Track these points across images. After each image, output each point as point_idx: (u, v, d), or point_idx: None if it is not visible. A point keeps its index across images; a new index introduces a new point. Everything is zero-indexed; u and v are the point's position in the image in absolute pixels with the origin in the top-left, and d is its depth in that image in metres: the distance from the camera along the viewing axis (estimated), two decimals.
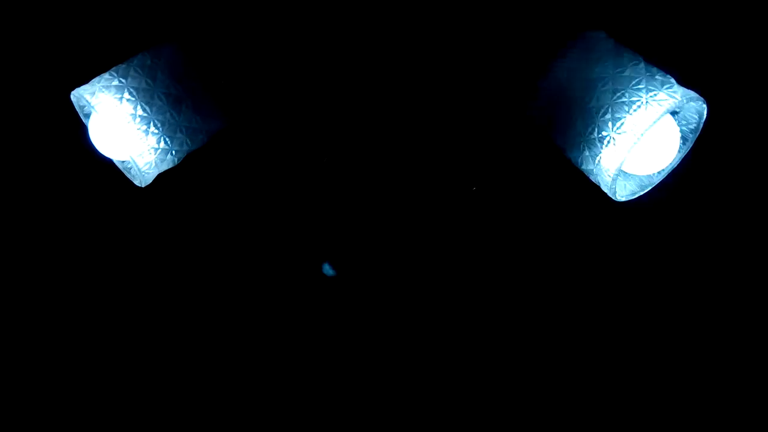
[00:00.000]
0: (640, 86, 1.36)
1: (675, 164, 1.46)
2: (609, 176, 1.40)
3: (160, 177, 1.61)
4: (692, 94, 1.36)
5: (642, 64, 1.40)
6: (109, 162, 1.64)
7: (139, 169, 1.53)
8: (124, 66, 1.52)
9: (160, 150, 1.53)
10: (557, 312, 1.84)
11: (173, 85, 1.53)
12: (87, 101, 1.48)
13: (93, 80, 1.52)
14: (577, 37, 1.47)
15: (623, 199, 1.48)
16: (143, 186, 1.59)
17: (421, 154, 1.70)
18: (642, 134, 1.33)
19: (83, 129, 1.59)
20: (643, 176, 1.49)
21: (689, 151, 1.47)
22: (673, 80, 1.37)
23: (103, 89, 1.49)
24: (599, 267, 1.78)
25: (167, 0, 1.73)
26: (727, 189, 1.75)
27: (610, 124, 1.36)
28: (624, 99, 1.36)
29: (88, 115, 1.59)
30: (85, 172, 1.90)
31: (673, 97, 1.34)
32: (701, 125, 1.43)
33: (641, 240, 1.75)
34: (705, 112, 1.41)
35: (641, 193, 1.49)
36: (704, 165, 1.59)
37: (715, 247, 1.79)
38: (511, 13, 1.60)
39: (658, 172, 1.47)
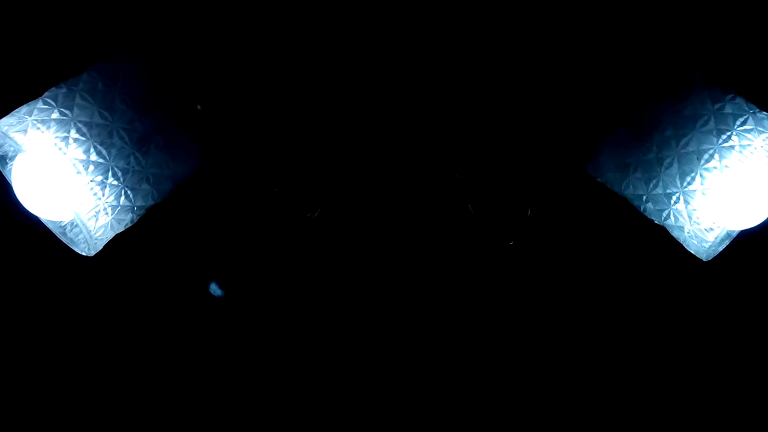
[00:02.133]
0: (747, 127, 1.12)
1: None
2: (708, 234, 1.16)
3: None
4: None
5: (740, 100, 1.16)
6: (37, 222, 1.18)
7: (89, 234, 1.10)
8: (64, 90, 1.09)
9: (119, 208, 1.11)
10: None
11: (138, 118, 1.11)
12: (13, 141, 1.04)
13: (18, 110, 1.08)
14: (656, 71, 1.21)
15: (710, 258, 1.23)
16: (92, 255, 1.16)
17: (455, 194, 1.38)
18: (758, 187, 1.09)
19: None
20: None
21: None
22: None
23: (38, 124, 1.05)
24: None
25: None
26: None
27: (717, 174, 1.11)
28: (732, 143, 1.11)
29: (5, 158, 1.14)
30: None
31: None
32: None
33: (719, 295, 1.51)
34: None
35: (720, 249, 1.25)
36: None
37: None
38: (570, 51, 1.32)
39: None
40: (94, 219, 1.09)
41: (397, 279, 1.45)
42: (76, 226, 1.17)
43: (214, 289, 1.59)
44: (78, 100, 1.07)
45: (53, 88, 1.10)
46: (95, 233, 1.10)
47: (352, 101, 1.35)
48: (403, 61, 1.34)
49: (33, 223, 1.20)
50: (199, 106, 1.20)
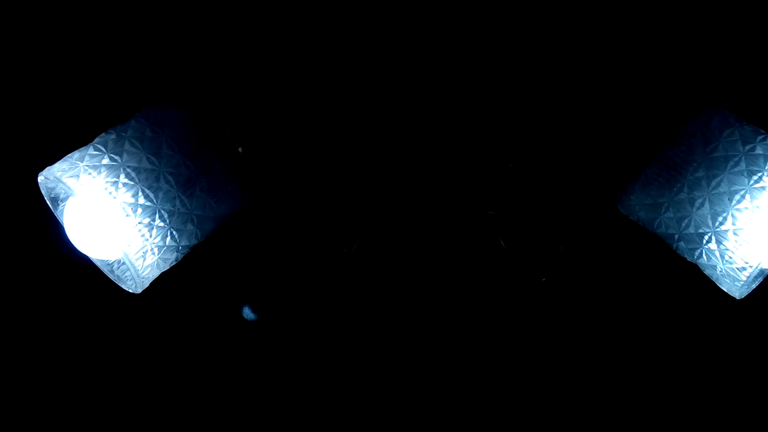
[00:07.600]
0: None
1: None
2: (741, 273, 1.16)
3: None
4: None
5: None
6: (85, 260, 1.24)
7: (136, 273, 1.15)
8: (114, 137, 1.14)
9: (165, 248, 1.16)
10: None
11: (183, 162, 1.16)
12: (66, 186, 1.09)
13: (70, 156, 1.14)
14: (690, 113, 1.23)
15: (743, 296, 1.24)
16: (138, 292, 1.20)
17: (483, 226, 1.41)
18: None
19: (49, 217, 1.21)
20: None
21: None
22: None
23: (90, 170, 1.10)
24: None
25: (158, 43, 1.35)
26: None
27: (748, 214, 1.12)
28: (764, 183, 1.12)
29: (56, 200, 1.20)
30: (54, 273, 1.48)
31: None
32: None
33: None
34: None
35: (754, 287, 1.26)
36: None
37: None
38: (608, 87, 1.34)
39: None
40: (142, 259, 1.14)
41: (431, 313, 1.48)
42: (123, 264, 1.23)
43: (247, 313, 1.63)
44: (127, 146, 1.13)
45: (103, 134, 1.16)
46: (143, 272, 1.15)
47: (387, 140, 1.39)
48: (438, 101, 1.38)
49: (81, 259, 1.25)
50: (240, 149, 1.25)
